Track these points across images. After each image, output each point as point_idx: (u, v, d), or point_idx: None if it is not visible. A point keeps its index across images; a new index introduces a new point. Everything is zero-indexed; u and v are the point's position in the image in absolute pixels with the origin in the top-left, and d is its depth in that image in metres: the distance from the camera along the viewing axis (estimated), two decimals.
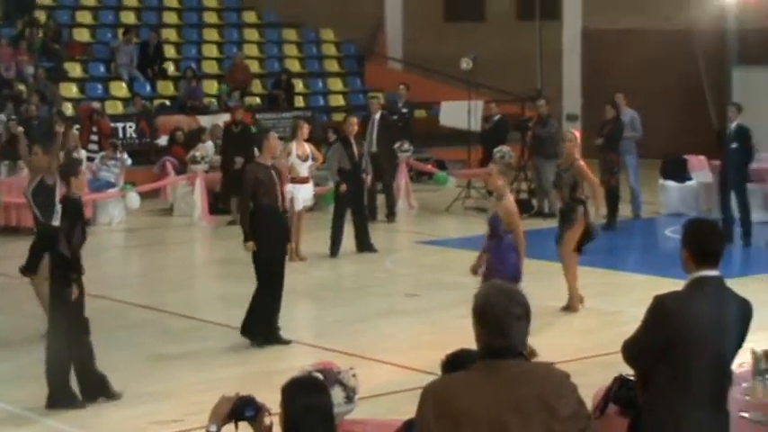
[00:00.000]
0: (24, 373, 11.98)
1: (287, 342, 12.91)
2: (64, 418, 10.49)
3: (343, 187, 18.18)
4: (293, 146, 17.60)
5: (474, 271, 12.09)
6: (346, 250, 18.20)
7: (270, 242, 12.99)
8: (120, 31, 29.51)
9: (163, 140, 25.74)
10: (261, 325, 12.96)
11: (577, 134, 15.17)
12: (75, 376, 10.87)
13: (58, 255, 10.94)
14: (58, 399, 10.77)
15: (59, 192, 13.33)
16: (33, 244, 13.41)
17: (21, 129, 20.92)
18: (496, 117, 23.88)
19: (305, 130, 18.39)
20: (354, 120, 19.14)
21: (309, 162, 18.15)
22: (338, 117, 29.11)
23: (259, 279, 12.97)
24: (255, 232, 12.96)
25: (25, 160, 14.64)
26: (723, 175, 19.51)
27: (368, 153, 19.42)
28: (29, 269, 13.23)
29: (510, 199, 12.11)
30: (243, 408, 5.59)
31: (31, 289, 13.32)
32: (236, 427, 5.59)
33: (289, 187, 16.72)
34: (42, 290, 12.97)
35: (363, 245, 18.41)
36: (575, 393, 5.05)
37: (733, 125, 19.15)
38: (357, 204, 18.51)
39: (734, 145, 19.01)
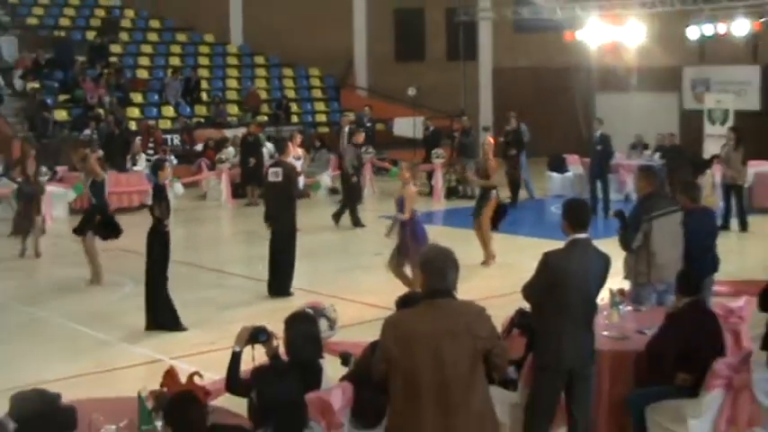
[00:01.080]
0: (102, 310, 11.94)
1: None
2: (135, 342, 10.44)
3: (354, 179, 18.17)
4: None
5: (387, 234, 11.98)
6: (329, 225, 18.10)
7: (295, 219, 12.53)
8: (170, 70, 29.32)
9: (199, 147, 25.55)
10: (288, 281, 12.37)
11: (492, 140, 15.23)
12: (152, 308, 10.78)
13: (156, 219, 10.66)
14: (168, 320, 10.73)
15: (109, 185, 13.39)
16: (85, 215, 13.27)
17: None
18: (432, 128, 23.88)
19: (297, 138, 18.79)
20: (363, 133, 19.46)
21: (301, 161, 18.25)
22: (322, 129, 29.03)
23: (291, 248, 12.34)
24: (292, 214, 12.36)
25: (78, 166, 14.21)
26: (591, 168, 19.65)
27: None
28: (79, 231, 13.07)
29: (412, 187, 11.98)
30: (258, 334, 5.60)
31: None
32: (253, 348, 5.60)
33: None
34: (88, 246, 12.96)
35: (356, 221, 18.08)
36: (489, 321, 5.08)
37: (597, 133, 19.26)
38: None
39: (598, 147, 19.14)
